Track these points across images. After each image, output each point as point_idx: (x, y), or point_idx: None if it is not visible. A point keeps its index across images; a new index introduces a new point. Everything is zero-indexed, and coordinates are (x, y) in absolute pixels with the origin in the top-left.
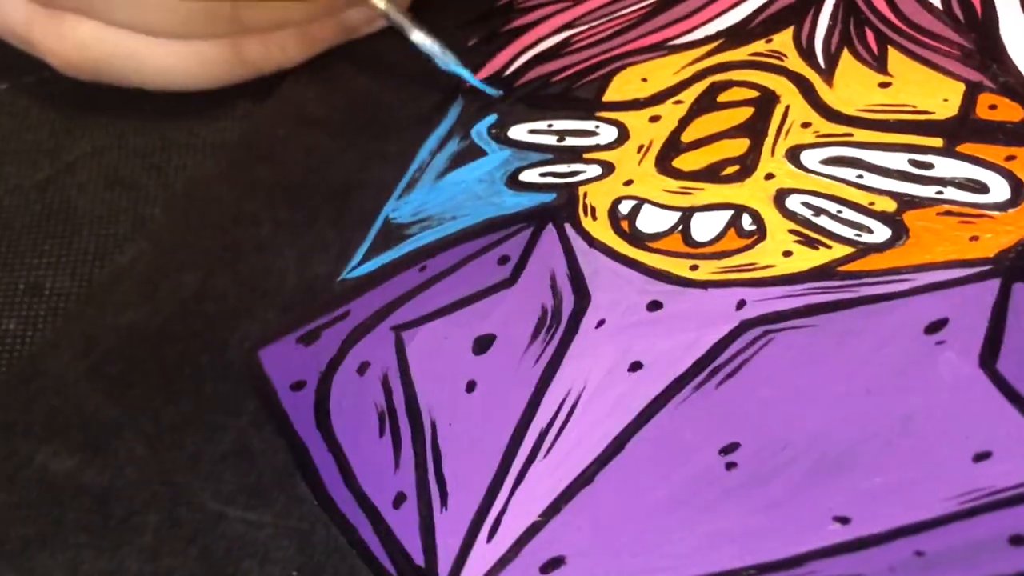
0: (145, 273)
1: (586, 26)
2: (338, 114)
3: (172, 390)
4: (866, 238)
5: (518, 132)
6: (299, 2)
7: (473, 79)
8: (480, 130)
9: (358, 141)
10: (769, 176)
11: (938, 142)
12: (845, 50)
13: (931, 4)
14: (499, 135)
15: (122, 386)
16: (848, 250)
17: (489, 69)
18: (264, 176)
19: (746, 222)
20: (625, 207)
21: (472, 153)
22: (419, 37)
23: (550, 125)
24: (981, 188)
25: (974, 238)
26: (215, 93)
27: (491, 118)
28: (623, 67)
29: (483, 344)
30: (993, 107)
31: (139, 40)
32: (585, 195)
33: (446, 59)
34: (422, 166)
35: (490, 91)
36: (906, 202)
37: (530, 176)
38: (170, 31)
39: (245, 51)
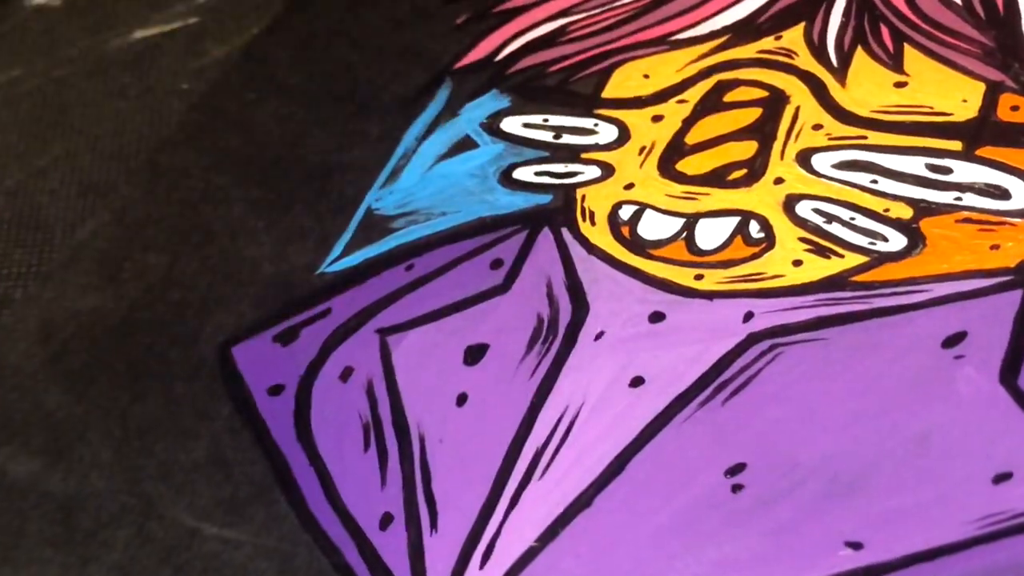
0: (107, 250)
1: (584, 14)
2: (314, 84)
3: (139, 387)
4: (880, 247)
5: (512, 125)
6: None
7: None
8: (471, 119)
9: (336, 117)
10: (778, 181)
11: (957, 145)
12: (859, 48)
13: (950, 0)
14: (491, 126)
15: (85, 381)
16: (861, 259)
17: (479, 52)
18: (234, 145)
19: (754, 229)
20: (626, 212)
21: (462, 144)
22: None
23: (546, 120)
24: (1002, 194)
25: (995, 247)
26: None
27: (483, 107)
28: (624, 61)
29: (475, 354)
30: (1015, 108)
31: None
32: (583, 198)
33: None
34: (407, 153)
35: None
36: (923, 209)
37: (525, 174)
38: None
39: None
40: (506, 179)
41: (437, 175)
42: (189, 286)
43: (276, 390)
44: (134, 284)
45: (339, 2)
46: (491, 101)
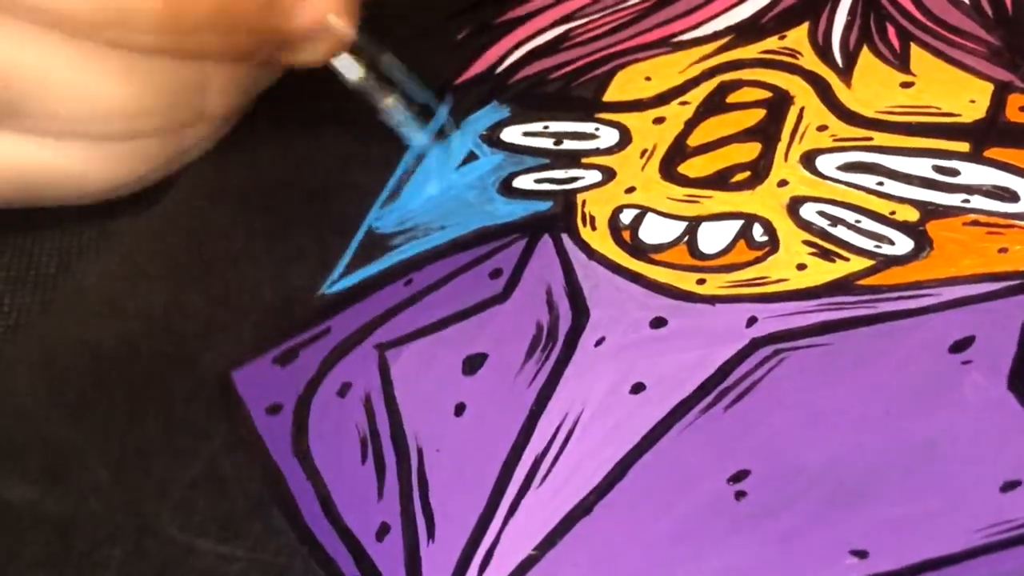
0: (111, 290)
1: (586, 20)
2: (313, 108)
3: (138, 412)
4: (886, 250)
5: (512, 134)
6: (267, 70)
7: (487, 152)
8: (471, 132)
9: (338, 143)
10: (782, 183)
11: (965, 146)
12: (864, 47)
13: None
14: (491, 138)
15: (84, 408)
16: (867, 263)
17: (480, 65)
18: (237, 180)
19: (757, 233)
20: (627, 216)
21: (462, 157)
22: (390, 103)
23: (546, 127)
24: (1011, 196)
25: (1003, 250)
26: None
27: (483, 119)
28: (625, 65)
29: (473, 364)
30: None
31: (65, 148)
32: (584, 203)
33: (416, 133)
34: (408, 171)
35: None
36: (930, 211)
37: (525, 183)
38: (117, 129)
39: (185, 139)
40: (505, 188)
41: (436, 191)
42: (190, 316)
43: (275, 409)
44: (136, 317)
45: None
46: (491, 113)
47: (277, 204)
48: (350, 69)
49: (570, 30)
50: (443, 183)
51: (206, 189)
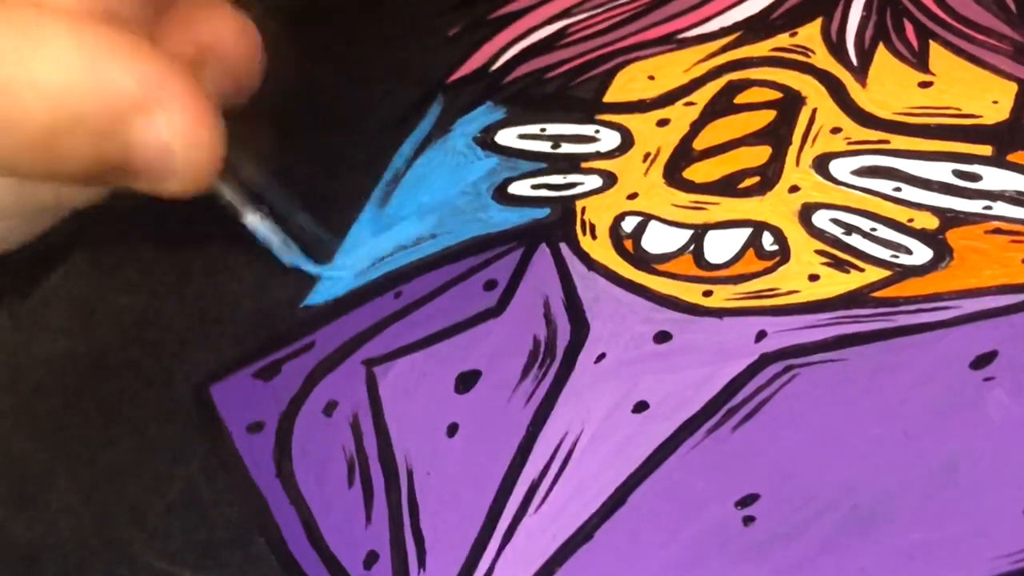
0: (80, 295)
1: (584, 15)
2: (300, 113)
3: (111, 431)
4: (904, 260)
5: (507, 137)
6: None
7: (321, 272)
8: (463, 135)
9: (322, 148)
10: (793, 189)
11: (987, 150)
12: (881, 45)
13: None
14: (485, 140)
15: (54, 427)
16: (883, 273)
17: (474, 63)
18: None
19: (767, 242)
20: (629, 224)
21: (454, 162)
22: (253, 221)
23: (543, 129)
24: None
25: None
26: None
27: (476, 121)
28: (627, 63)
29: (467, 381)
30: None
31: None
32: (583, 211)
33: (287, 253)
34: (396, 176)
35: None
36: (950, 219)
37: (521, 188)
38: None
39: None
40: (500, 195)
41: (427, 197)
42: (166, 327)
43: (256, 427)
44: (108, 327)
45: (324, 20)
46: (485, 114)
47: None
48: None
49: (567, 26)
50: (435, 189)
51: None
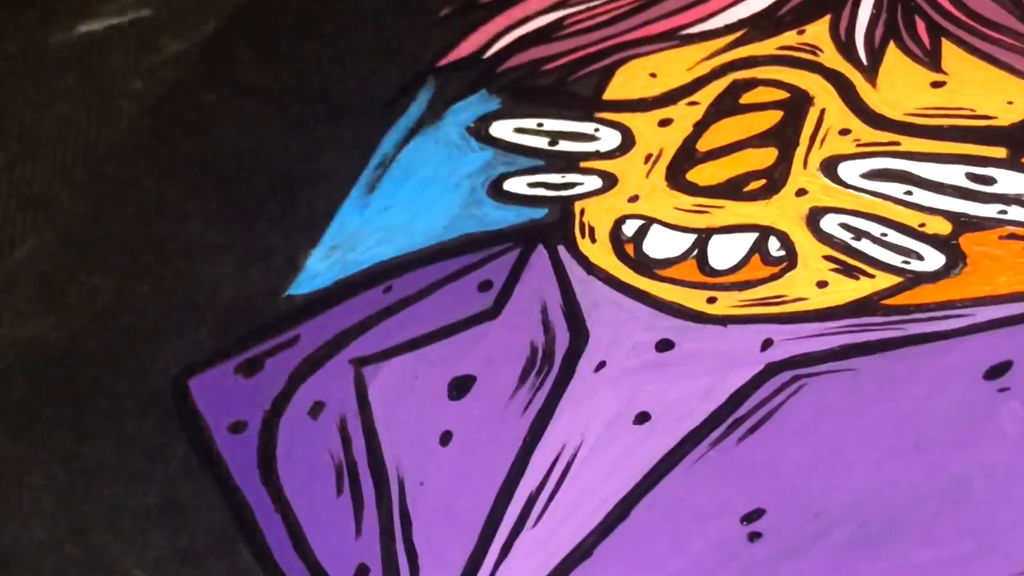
0: (49, 272)
1: (584, 6)
2: (280, 84)
3: (85, 426)
4: (915, 266)
5: (502, 129)
6: None
7: None
8: (456, 123)
9: (305, 122)
10: (801, 192)
11: (1001, 152)
12: (891, 43)
13: None
14: (479, 131)
15: (25, 418)
16: (894, 280)
17: (466, 48)
18: (191, 153)
19: (773, 247)
20: (630, 228)
21: (447, 151)
22: None
23: (540, 124)
24: None
25: None
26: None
27: (470, 109)
28: (628, 59)
29: (461, 387)
30: None
31: None
32: (582, 212)
33: None
34: (385, 161)
35: None
36: (963, 223)
37: (517, 186)
38: None
39: None
40: (496, 191)
41: (418, 186)
42: (140, 312)
43: (238, 427)
44: (79, 310)
45: None
46: (479, 103)
47: (237, 192)
48: None
49: (566, 17)
50: (427, 178)
51: (156, 161)
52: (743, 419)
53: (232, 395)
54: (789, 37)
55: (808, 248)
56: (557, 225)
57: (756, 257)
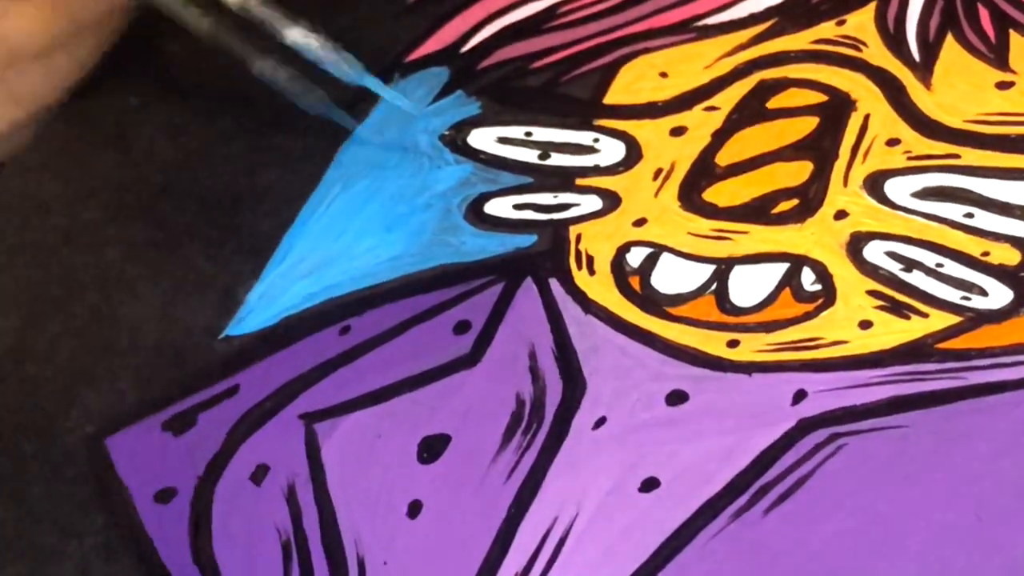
0: None
1: None
2: (215, 86)
3: None
4: (977, 303)
5: (483, 139)
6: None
7: (392, 95)
8: (428, 130)
9: (246, 129)
10: (840, 215)
11: None
12: (949, 36)
13: None
14: (455, 140)
15: None
16: (952, 320)
17: (440, 40)
18: (108, 168)
19: (807, 280)
20: (636, 257)
21: (415, 164)
22: (297, 35)
23: (528, 133)
24: None
25: None
26: None
27: (444, 114)
28: (633, 56)
29: (432, 448)
30: None
31: None
32: (579, 239)
33: (345, 67)
34: (341, 176)
35: (408, 107)
36: None
37: (500, 208)
38: None
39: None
40: (475, 214)
41: (382, 207)
42: (47, 358)
43: (166, 496)
44: None
45: None
46: (455, 106)
47: (164, 212)
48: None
49: (560, 3)
50: (391, 196)
51: (69, 179)
52: (770, 486)
53: (159, 457)
54: (827, 29)
55: (849, 281)
56: (548, 255)
57: (786, 292)
